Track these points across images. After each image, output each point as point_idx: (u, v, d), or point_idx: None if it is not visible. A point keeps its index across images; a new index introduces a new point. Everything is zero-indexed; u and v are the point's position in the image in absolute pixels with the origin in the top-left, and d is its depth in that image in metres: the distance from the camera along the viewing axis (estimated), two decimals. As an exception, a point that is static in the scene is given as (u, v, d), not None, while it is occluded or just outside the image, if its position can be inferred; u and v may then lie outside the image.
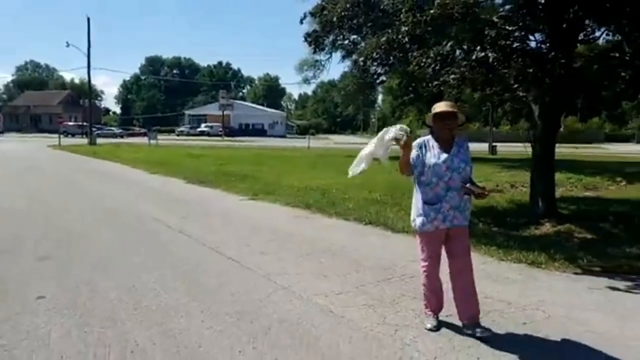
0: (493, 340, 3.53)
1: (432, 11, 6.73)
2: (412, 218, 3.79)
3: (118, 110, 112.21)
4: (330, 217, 8.59)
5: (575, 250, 6.07)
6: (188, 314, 4.03)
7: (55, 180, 14.10)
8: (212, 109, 70.19)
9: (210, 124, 64.52)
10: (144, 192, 11.68)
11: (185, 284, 4.83)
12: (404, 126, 3.58)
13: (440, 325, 3.76)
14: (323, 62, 26.48)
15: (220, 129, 58.25)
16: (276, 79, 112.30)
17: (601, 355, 3.36)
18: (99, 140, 38.23)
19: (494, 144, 30.48)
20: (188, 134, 61.35)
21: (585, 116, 9.89)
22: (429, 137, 3.71)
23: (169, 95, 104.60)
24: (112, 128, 65.36)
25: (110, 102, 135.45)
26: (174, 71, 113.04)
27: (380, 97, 68.94)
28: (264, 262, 5.58)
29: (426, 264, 3.75)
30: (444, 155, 3.61)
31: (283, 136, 67.67)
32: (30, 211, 8.83)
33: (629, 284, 4.90)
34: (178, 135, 61.63)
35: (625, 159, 24.87)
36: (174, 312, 4.06)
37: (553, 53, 6.77)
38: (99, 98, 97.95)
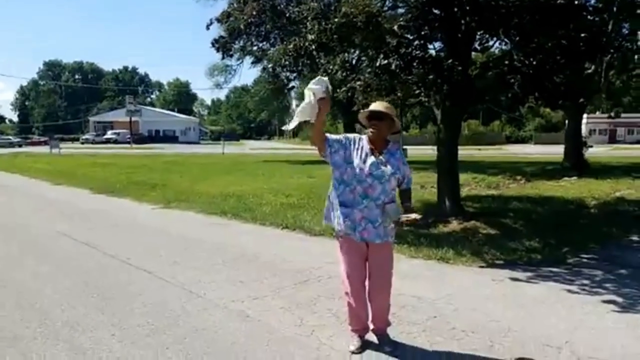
0: (408, 333, 3.73)
1: (336, 20, 6.96)
2: (324, 215, 3.55)
3: (15, 118, 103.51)
4: (246, 223, 8.54)
5: (480, 245, 6.47)
6: (97, 328, 3.86)
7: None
8: (118, 116, 66.90)
9: (117, 131, 61.47)
10: (45, 205, 10.88)
11: (94, 297, 4.61)
12: (323, 78, 3.26)
13: (365, 346, 3.50)
14: (234, 67, 26.27)
15: (129, 136, 55.62)
16: (187, 84, 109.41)
17: (504, 340, 3.64)
18: (-7, 151, 35.03)
19: (404, 147, 31.76)
20: (94, 142, 58.05)
21: (487, 119, 10.66)
22: (364, 137, 3.43)
23: (71, 101, 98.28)
24: (9, 137, 60.14)
25: (5, 109, 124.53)
26: (76, 76, 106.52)
27: (294, 102, 69.46)
28: (177, 271, 5.44)
29: (346, 277, 3.44)
30: (371, 159, 3.30)
31: (197, 142, 66.07)
32: None
33: (529, 274, 5.31)
34: (83, 143, 58.08)
35: (524, 159, 27.04)
36: (82, 328, 3.86)
37: (450, 60, 7.26)
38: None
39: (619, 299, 4.48)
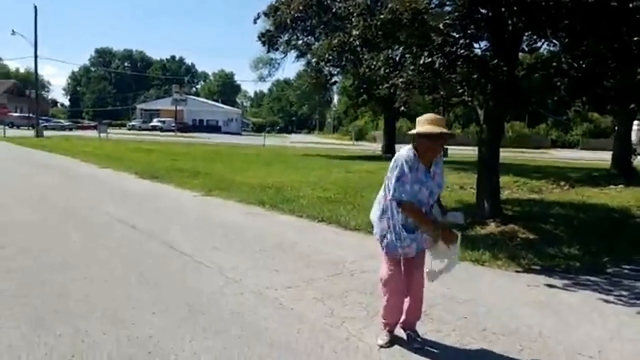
0: (438, 331, 3.78)
1: (382, 16, 6.98)
2: (380, 233, 3.45)
3: (66, 102, 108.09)
4: (284, 214, 8.71)
5: (517, 250, 6.37)
6: (139, 306, 4.08)
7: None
8: (165, 104, 68.74)
9: (162, 119, 63.13)
10: (93, 187, 11.41)
11: (136, 277, 4.85)
12: (459, 214, 3.38)
13: (393, 341, 3.56)
14: (278, 61, 26.47)
15: (173, 124, 57.13)
16: (231, 75, 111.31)
17: (534, 345, 3.63)
18: (47, 133, 36.68)
19: (445, 146, 31.30)
20: (140, 129, 59.77)
21: (533, 122, 10.41)
22: (413, 152, 3.29)
23: (120, 88, 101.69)
24: (61, 120, 62.79)
25: (58, 94, 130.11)
26: (125, 64, 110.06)
27: (336, 97, 69.54)
28: (216, 257, 5.65)
29: (392, 277, 3.47)
30: (427, 178, 3.29)
31: (238, 133, 67.07)
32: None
33: (566, 281, 5.22)
34: (129, 129, 59.93)
35: (569, 164, 26.19)
36: (124, 304, 4.09)
37: (496, 60, 7.15)
38: (47, 89, 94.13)
39: (660, 313, 4.37)
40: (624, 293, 4.91)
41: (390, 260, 3.44)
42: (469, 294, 4.73)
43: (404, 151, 3.32)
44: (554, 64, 7.19)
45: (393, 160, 3.35)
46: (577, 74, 6.90)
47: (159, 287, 4.60)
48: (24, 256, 5.41)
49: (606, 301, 4.65)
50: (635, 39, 7.43)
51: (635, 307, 4.53)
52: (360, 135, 60.57)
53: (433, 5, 8.16)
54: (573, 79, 6.98)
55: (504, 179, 14.19)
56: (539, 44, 8.40)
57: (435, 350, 3.51)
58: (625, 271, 5.77)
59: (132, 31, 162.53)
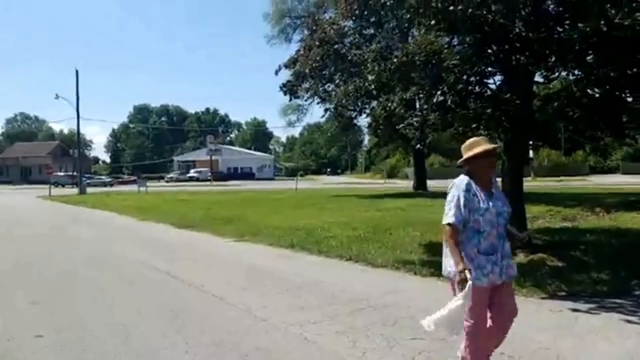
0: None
1: (395, 60, 7.38)
2: (453, 269, 3.23)
3: (107, 159, 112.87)
4: (312, 255, 8.95)
5: (544, 277, 6.38)
6: (173, 345, 4.38)
7: (46, 229, 14.35)
8: (200, 155, 71.06)
9: (199, 169, 65.12)
10: (132, 238, 12.00)
11: (170, 318, 5.17)
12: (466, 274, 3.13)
13: None
14: (305, 106, 27.22)
15: (209, 174, 58.80)
16: (263, 122, 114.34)
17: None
18: (89, 190, 38.42)
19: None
20: (177, 180, 61.79)
21: (568, 149, 10.43)
22: (466, 178, 3.31)
23: (157, 142, 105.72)
24: (102, 177, 65.61)
25: (99, 151, 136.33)
26: (162, 119, 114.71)
27: (367, 138, 70.26)
28: (245, 297, 5.93)
29: (477, 325, 3.27)
30: (490, 200, 3.27)
31: (272, 179, 68.29)
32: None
33: (591, 305, 5.23)
34: (167, 181, 62.05)
35: (607, 189, 25.54)
36: (159, 343, 4.40)
37: (509, 95, 7.39)
38: (89, 147, 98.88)
39: (682, 333, 4.36)
40: (649, 314, 4.90)
41: (476, 302, 3.15)
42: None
43: (457, 180, 3.33)
44: (564, 94, 7.34)
45: (449, 188, 3.36)
46: (588, 103, 7.03)
47: (191, 326, 4.89)
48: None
49: (629, 321, 4.67)
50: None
51: (658, 327, 4.53)
52: (392, 173, 60.65)
53: (446, 46, 8.56)
54: (585, 108, 7.12)
55: (536, 209, 14.09)
56: (555, 74, 8.60)
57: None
58: (653, 293, 5.72)
59: (167, 87, 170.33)
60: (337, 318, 5.03)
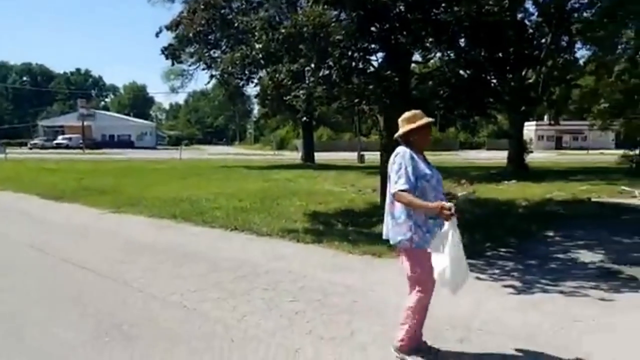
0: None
1: (284, 30, 7.36)
2: (404, 237, 3.31)
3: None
4: (196, 225, 8.75)
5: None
6: (46, 320, 4.12)
7: None
8: (70, 120, 65.08)
9: (68, 136, 59.70)
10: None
11: (39, 293, 4.83)
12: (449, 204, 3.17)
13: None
14: (191, 72, 26.08)
15: (81, 141, 54.25)
16: (143, 87, 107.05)
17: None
18: None
19: (362, 152, 32.51)
20: (43, 147, 55.94)
21: (442, 126, 11.22)
22: (409, 149, 3.38)
23: (18, 104, 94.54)
24: (-49, 141, 57.38)
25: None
26: (24, 78, 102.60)
27: (256, 107, 69.44)
28: (122, 270, 5.69)
29: (428, 288, 3.38)
30: (430, 167, 3.41)
31: (153, 148, 64.95)
32: None
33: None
34: (31, 148, 55.90)
35: (473, 164, 28.19)
36: (28, 318, 4.14)
37: (389, 72, 7.78)
38: None
39: (518, 284, 5.11)
40: (496, 271, 5.63)
41: (422, 261, 3.28)
42: (363, 282, 5.17)
43: (400, 149, 3.38)
44: (438, 74, 7.93)
45: (392, 159, 3.41)
46: (458, 83, 7.68)
47: (64, 301, 4.61)
48: None
49: (479, 279, 5.28)
50: (512, 49, 8.43)
51: (502, 281, 5.24)
52: (281, 145, 61.01)
53: (333, 20, 8.71)
54: (455, 87, 7.77)
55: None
56: (432, 55, 9.22)
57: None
58: (502, 253, 6.56)
59: (30, 43, 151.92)
60: (219, 285, 5.05)
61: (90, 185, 14.82)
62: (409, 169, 3.25)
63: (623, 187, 13.83)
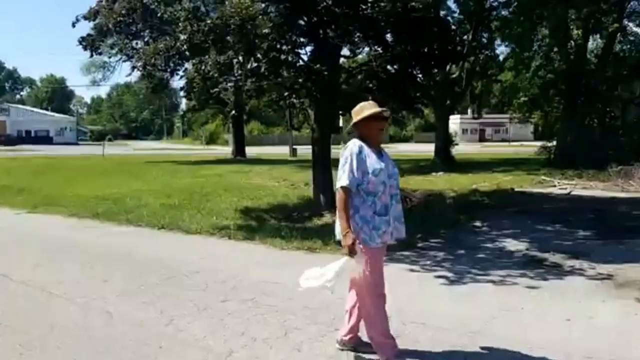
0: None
1: (209, 21, 7.13)
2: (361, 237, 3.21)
3: None
4: (120, 225, 8.37)
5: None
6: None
7: None
8: (-19, 115, 60.16)
9: (-22, 132, 55.22)
10: None
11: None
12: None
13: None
14: (112, 64, 24.80)
15: (-7, 137, 50.30)
16: (62, 80, 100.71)
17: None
18: None
19: (294, 146, 32.41)
20: (-52, 144, 51.35)
21: None
22: (358, 142, 3.26)
23: None
24: None
25: None
26: None
27: (184, 101, 67.35)
28: (38, 274, 5.32)
29: (379, 290, 3.30)
30: (381, 161, 3.25)
31: (75, 143, 61.44)
32: None
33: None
34: None
35: (402, 156, 28.73)
36: None
37: (318, 66, 7.77)
38: None
39: (450, 274, 5.27)
40: (428, 262, 5.79)
41: (372, 261, 3.21)
42: (293, 278, 5.08)
43: (350, 143, 3.28)
44: (365, 68, 8.03)
45: (341, 152, 3.32)
46: (384, 77, 7.82)
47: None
48: None
49: (412, 270, 5.44)
50: (435, 45, 8.69)
51: (434, 272, 5.39)
52: (211, 139, 59.73)
53: (261, 12, 8.57)
54: (382, 81, 7.90)
55: (341, 174, 15.30)
56: (360, 49, 9.32)
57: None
58: (432, 244, 6.76)
59: None
60: (145, 288, 4.83)
61: (4, 184, 13.75)
62: (354, 164, 3.16)
63: (543, 177, 14.75)
